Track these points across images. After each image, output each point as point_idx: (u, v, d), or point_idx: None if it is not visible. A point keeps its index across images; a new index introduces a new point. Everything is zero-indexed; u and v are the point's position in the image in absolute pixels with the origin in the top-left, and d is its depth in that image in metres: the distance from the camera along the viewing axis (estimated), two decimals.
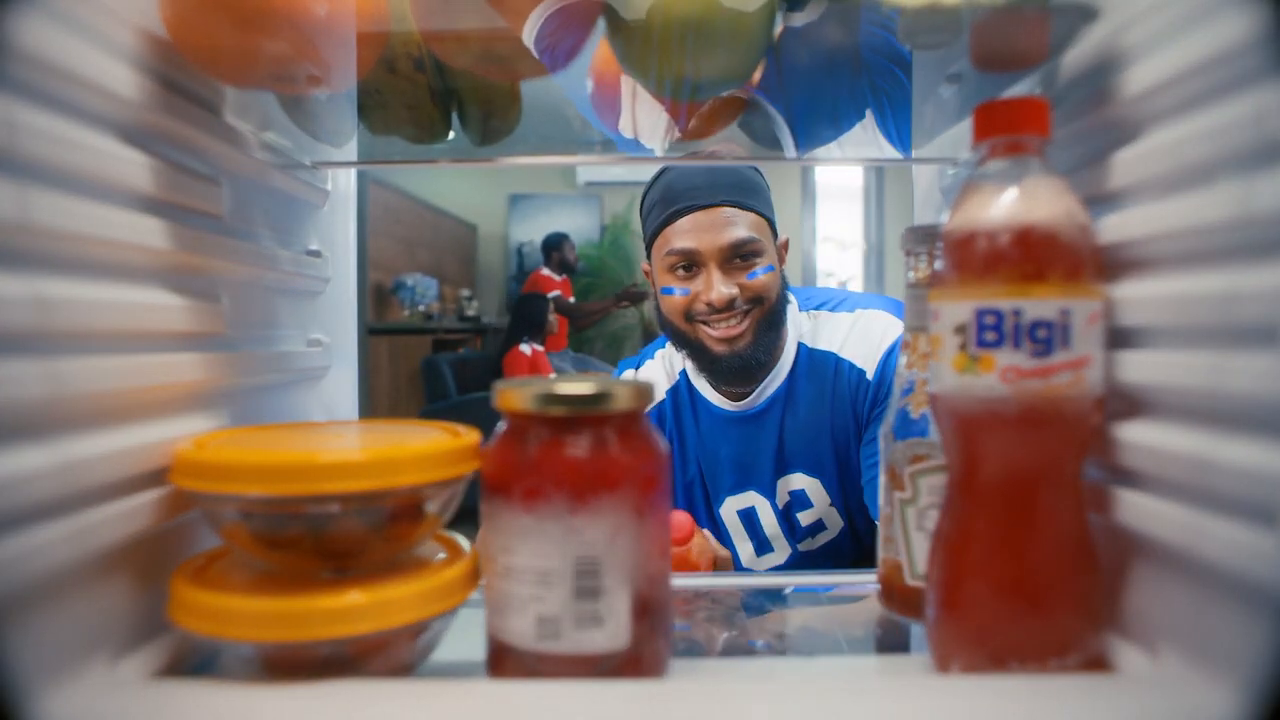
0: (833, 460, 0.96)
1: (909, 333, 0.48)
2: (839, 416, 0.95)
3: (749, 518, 1.00)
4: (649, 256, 1.00)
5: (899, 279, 0.48)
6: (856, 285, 4.45)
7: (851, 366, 0.95)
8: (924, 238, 0.47)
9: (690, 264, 0.92)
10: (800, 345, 0.98)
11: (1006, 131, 0.39)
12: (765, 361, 0.95)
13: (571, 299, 4.27)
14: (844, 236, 4.48)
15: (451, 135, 0.62)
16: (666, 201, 0.94)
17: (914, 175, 0.75)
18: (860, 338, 0.96)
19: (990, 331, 0.37)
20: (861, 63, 0.57)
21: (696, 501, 1.03)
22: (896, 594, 0.48)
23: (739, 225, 0.91)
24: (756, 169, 0.96)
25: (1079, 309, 0.36)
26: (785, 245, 0.99)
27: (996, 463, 0.38)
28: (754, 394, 0.98)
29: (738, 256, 0.91)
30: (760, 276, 0.92)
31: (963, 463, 0.39)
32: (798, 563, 1.01)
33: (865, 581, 0.65)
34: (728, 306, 0.91)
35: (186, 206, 0.48)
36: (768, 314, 0.93)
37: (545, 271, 4.22)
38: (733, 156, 0.76)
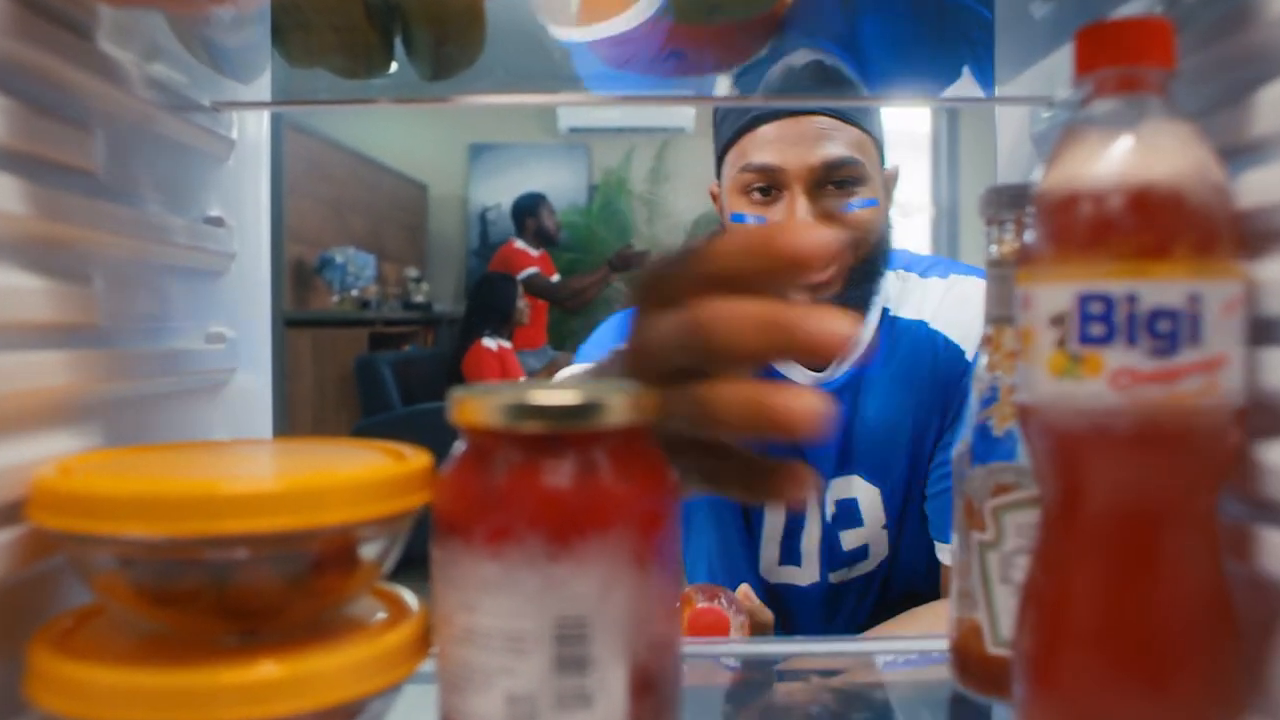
0: (904, 465, 0.97)
1: (991, 325, 0.48)
2: (923, 407, 0.96)
3: (792, 528, 1.01)
4: (718, 174, 1.00)
5: (977, 252, 0.49)
6: None
7: (947, 342, 0.96)
8: (1011, 201, 0.47)
9: (770, 186, 0.92)
10: (884, 311, 0.99)
11: (1119, 62, 0.39)
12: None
13: (555, 277, 4.26)
14: (907, 198, 4.49)
15: (394, 67, 0.62)
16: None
17: (997, 120, 0.75)
18: (956, 305, 0.97)
19: (1097, 323, 0.36)
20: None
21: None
22: (974, 665, 0.48)
23: (837, 141, 0.91)
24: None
25: (1212, 294, 0.36)
26: (894, 176, 0.99)
27: (1105, 494, 0.38)
28: (833, 364, 0.98)
29: (831, 182, 0.91)
30: (859, 210, 0.92)
31: (1062, 493, 0.39)
32: (823, 595, 1.01)
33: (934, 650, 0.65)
34: None
35: (47, 159, 0.48)
36: (864, 260, 0.93)
37: (519, 244, 4.22)
38: (757, 98, 0.76)
